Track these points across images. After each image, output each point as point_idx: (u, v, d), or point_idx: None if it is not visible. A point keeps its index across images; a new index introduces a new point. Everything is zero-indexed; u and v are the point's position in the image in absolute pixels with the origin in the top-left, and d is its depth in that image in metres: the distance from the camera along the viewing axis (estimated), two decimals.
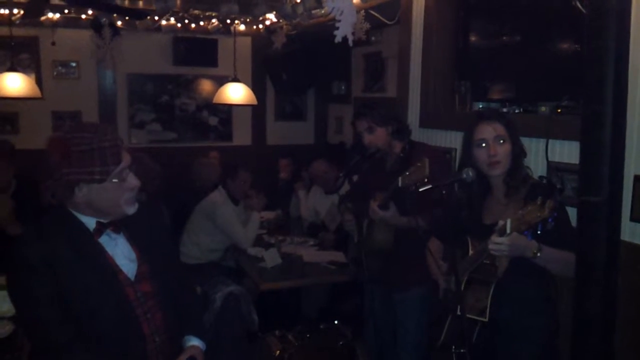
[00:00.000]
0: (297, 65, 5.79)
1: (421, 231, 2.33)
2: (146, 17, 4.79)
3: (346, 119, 6.45)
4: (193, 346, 1.93)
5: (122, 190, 1.75)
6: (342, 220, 3.21)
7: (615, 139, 1.99)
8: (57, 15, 5.09)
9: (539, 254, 1.93)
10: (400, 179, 2.39)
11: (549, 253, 1.96)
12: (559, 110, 2.54)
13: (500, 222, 1.92)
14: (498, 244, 1.90)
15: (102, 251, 1.77)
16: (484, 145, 2.15)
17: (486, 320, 2.01)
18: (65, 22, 5.26)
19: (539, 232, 1.83)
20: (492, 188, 2.21)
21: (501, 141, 2.13)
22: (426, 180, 2.24)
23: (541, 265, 2.01)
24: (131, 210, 1.79)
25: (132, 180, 1.77)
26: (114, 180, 1.72)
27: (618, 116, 1.97)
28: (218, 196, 4.32)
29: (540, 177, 2.19)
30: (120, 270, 1.78)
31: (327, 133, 6.93)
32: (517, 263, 2.01)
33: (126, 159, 1.75)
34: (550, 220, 1.79)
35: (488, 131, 2.15)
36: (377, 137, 2.83)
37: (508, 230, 1.86)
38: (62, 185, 1.68)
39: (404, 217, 2.48)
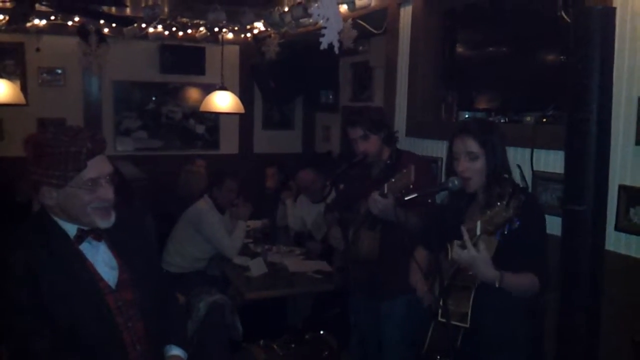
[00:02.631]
0: (285, 74, 5.79)
1: (408, 238, 2.32)
2: (133, 24, 4.77)
3: (334, 128, 6.45)
4: (174, 356, 1.90)
5: (89, 198, 1.70)
6: (329, 235, 3.18)
7: (600, 148, 2.01)
8: (43, 22, 5.06)
9: (497, 284, 1.91)
10: (386, 185, 2.39)
11: (509, 283, 1.94)
12: (544, 120, 2.55)
13: (469, 225, 1.91)
14: (458, 248, 1.89)
15: (82, 259, 1.73)
16: (456, 159, 2.15)
17: (467, 326, 2.00)
18: (51, 29, 5.23)
19: (505, 232, 1.82)
20: (476, 195, 2.21)
21: (472, 158, 2.11)
22: (411, 186, 2.24)
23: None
24: (104, 223, 1.74)
25: (103, 192, 1.72)
26: (80, 187, 1.68)
27: (603, 125, 1.99)
28: (204, 205, 4.29)
29: (504, 176, 2.18)
30: (101, 279, 1.75)
31: (315, 142, 6.93)
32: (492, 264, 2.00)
33: (98, 168, 1.71)
34: (515, 220, 1.79)
35: (459, 146, 2.14)
36: (371, 144, 2.82)
37: (478, 232, 1.86)
38: (28, 185, 1.66)
39: (400, 210, 2.44)
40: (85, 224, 1.74)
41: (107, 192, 1.73)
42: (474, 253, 1.87)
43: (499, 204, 1.83)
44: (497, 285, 1.91)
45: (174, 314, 2.01)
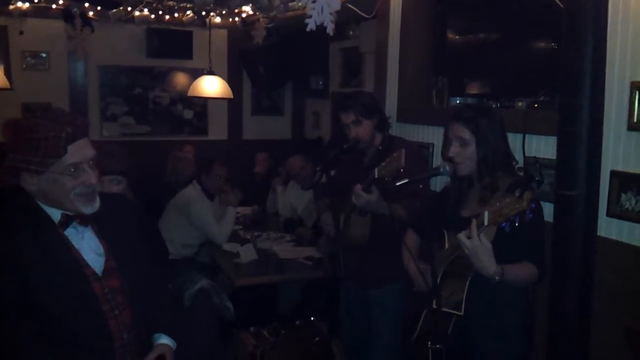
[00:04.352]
0: (274, 59, 5.73)
1: (397, 224, 2.30)
2: (119, 7, 4.68)
3: (323, 114, 6.41)
4: (163, 344, 1.87)
5: (71, 185, 1.65)
6: (320, 221, 3.17)
7: (592, 133, 2.00)
8: (27, 5, 4.94)
9: (497, 278, 1.88)
10: (376, 170, 2.37)
11: (508, 277, 1.91)
12: (536, 106, 2.54)
13: (466, 213, 1.89)
14: (466, 238, 1.87)
15: (67, 244, 1.70)
16: (448, 144, 2.16)
17: (461, 313, 1.99)
18: (35, 12, 5.11)
19: (517, 224, 1.80)
20: (473, 183, 2.19)
21: (462, 144, 2.11)
22: (402, 170, 2.23)
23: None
24: (88, 209, 1.70)
25: (86, 177, 1.67)
26: (62, 173, 1.64)
27: (595, 110, 1.98)
28: (192, 191, 4.25)
29: (518, 168, 2.17)
30: (87, 265, 1.71)
31: (305, 128, 6.89)
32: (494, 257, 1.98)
33: (80, 153, 1.66)
34: (528, 212, 1.77)
35: (451, 131, 2.15)
36: (363, 129, 2.78)
37: (485, 222, 1.83)
38: (6, 171, 1.61)
39: (386, 203, 2.44)
40: (68, 210, 1.70)
41: (91, 177, 1.68)
42: (478, 244, 1.84)
43: (510, 194, 1.80)
44: (497, 280, 1.88)
45: (163, 302, 1.98)
